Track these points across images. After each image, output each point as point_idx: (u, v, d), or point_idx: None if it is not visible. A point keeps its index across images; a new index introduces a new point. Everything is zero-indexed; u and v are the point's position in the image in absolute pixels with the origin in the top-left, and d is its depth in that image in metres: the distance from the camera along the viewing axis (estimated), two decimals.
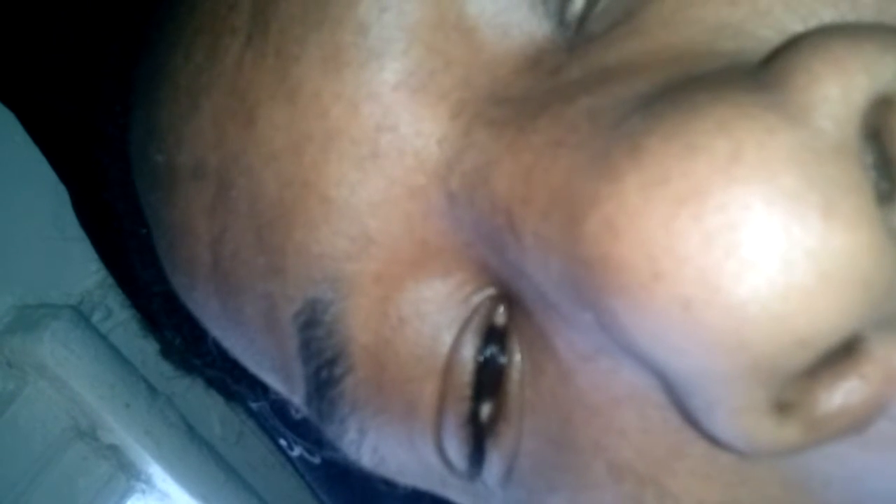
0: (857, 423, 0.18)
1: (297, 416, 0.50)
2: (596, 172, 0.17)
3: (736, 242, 0.16)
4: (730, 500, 0.21)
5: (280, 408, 0.51)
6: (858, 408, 0.17)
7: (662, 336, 0.17)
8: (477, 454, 0.23)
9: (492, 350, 0.23)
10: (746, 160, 0.16)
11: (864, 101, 0.16)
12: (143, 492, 0.64)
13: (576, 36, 0.21)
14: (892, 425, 0.18)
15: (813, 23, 0.18)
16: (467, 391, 0.23)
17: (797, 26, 0.18)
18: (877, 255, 0.16)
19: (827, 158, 0.16)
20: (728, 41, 0.19)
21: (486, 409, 0.23)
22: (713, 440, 0.19)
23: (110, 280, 0.58)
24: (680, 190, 0.16)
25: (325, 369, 0.24)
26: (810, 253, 0.15)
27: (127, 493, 0.63)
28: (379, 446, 0.25)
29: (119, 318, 0.61)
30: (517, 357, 0.22)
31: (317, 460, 0.57)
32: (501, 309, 0.23)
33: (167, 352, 0.50)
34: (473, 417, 0.23)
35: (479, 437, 0.23)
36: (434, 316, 0.23)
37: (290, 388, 0.26)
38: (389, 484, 0.31)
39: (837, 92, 0.16)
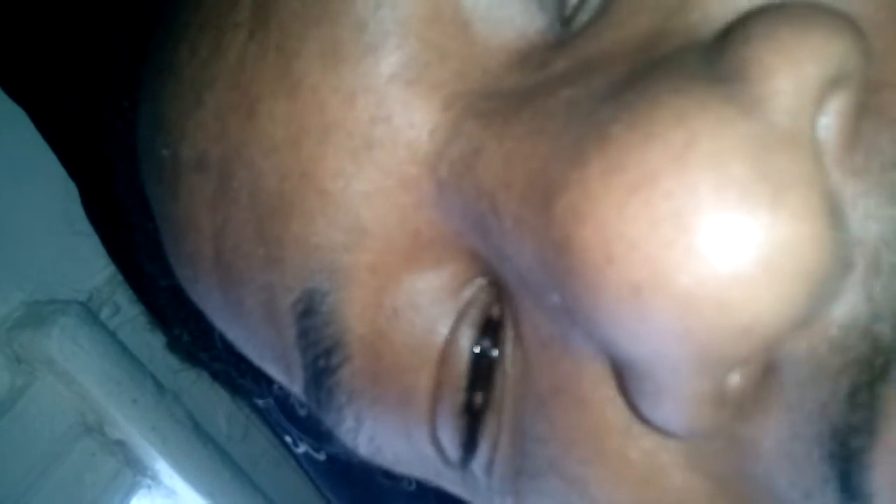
0: (750, 396, 0.18)
1: (303, 413, 0.51)
2: (567, 159, 0.18)
3: (682, 228, 0.16)
4: (637, 500, 0.21)
5: (285, 404, 0.51)
6: (753, 382, 0.18)
7: (616, 319, 0.17)
8: (469, 444, 0.24)
9: (486, 342, 0.23)
10: (699, 149, 0.16)
11: (817, 91, 0.16)
12: (150, 487, 0.65)
13: (565, 31, 0.21)
14: (765, 383, 0.18)
15: None
16: (462, 382, 0.23)
17: None
18: (822, 248, 0.16)
19: (778, 150, 0.16)
20: (681, 18, 0.19)
21: (478, 400, 0.23)
22: (650, 425, 0.19)
23: (119, 277, 0.59)
24: (635, 176, 0.16)
25: (322, 358, 0.24)
26: (756, 242, 0.16)
27: (133, 488, 0.64)
28: (376, 435, 0.26)
29: (127, 314, 0.62)
30: (508, 349, 0.23)
31: (322, 457, 0.57)
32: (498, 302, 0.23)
33: (174, 345, 0.50)
34: (467, 408, 0.23)
35: (471, 427, 0.24)
36: (428, 307, 0.23)
37: (290, 378, 0.27)
38: (393, 480, 0.31)
39: (790, 84, 0.16)
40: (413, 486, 0.47)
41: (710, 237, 0.16)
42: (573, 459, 0.22)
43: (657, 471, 0.21)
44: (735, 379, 0.18)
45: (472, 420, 0.23)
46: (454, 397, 0.23)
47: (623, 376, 0.19)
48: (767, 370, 0.18)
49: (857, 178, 0.17)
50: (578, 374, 0.21)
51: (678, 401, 0.18)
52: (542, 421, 0.22)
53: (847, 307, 0.17)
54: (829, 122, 0.17)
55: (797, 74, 0.16)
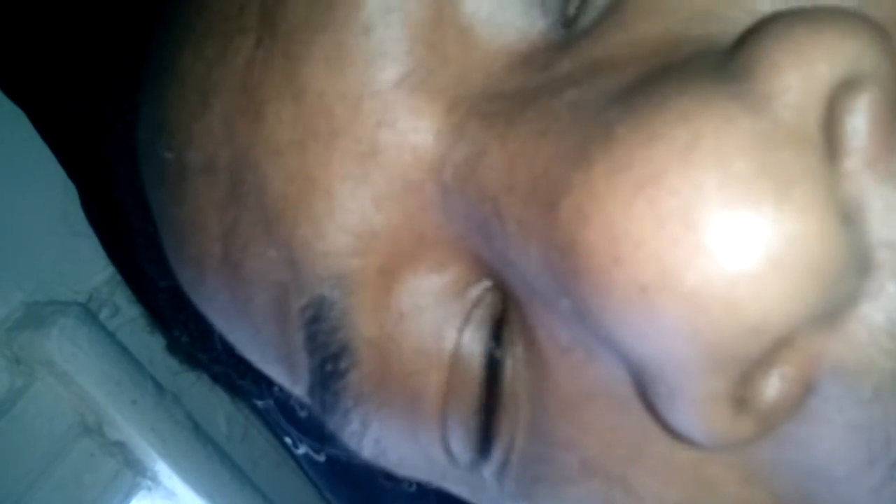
0: (791, 409, 0.18)
1: (303, 415, 0.51)
2: (572, 160, 0.18)
3: (688, 226, 0.16)
4: (687, 500, 0.21)
5: (285, 406, 0.51)
6: (790, 395, 0.18)
7: (624, 320, 0.17)
8: (483, 445, 0.24)
9: (492, 343, 0.23)
10: (702, 146, 0.16)
11: (826, 88, 0.16)
12: (149, 489, 0.64)
13: (568, 32, 0.21)
14: (821, 401, 0.18)
15: (780, 2, 0.18)
16: (474, 384, 0.23)
17: (766, 7, 0.18)
18: (829, 243, 0.16)
19: (783, 145, 0.16)
20: (701, 26, 0.19)
21: (489, 402, 0.23)
22: (674, 433, 0.19)
23: (118, 278, 0.59)
24: (640, 175, 0.16)
25: (329, 362, 0.24)
26: (761, 239, 0.15)
27: (132, 489, 0.63)
28: (381, 438, 0.26)
29: (127, 315, 0.62)
30: (515, 350, 0.23)
31: (321, 458, 0.57)
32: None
33: (173, 347, 0.50)
34: (479, 410, 0.23)
35: (484, 429, 0.23)
36: (432, 309, 0.23)
37: (294, 379, 0.26)
38: (393, 481, 0.31)
39: (798, 81, 0.16)
40: (413, 488, 0.47)
41: (716, 234, 0.16)
42: (614, 459, 0.21)
43: (707, 478, 0.20)
44: (771, 391, 0.18)
45: (484, 422, 0.23)
46: (465, 400, 0.23)
47: (640, 382, 0.19)
48: (813, 380, 0.18)
49: (894, 181, 0.17)
50: (612, 377, 0.20)
51: (692, 403, 0.18)
52: (570, 425, 0.22)
53: (886, 312, 0.17)
54: (859, 123, 0.17)
55: (806, 72, 0.16)
